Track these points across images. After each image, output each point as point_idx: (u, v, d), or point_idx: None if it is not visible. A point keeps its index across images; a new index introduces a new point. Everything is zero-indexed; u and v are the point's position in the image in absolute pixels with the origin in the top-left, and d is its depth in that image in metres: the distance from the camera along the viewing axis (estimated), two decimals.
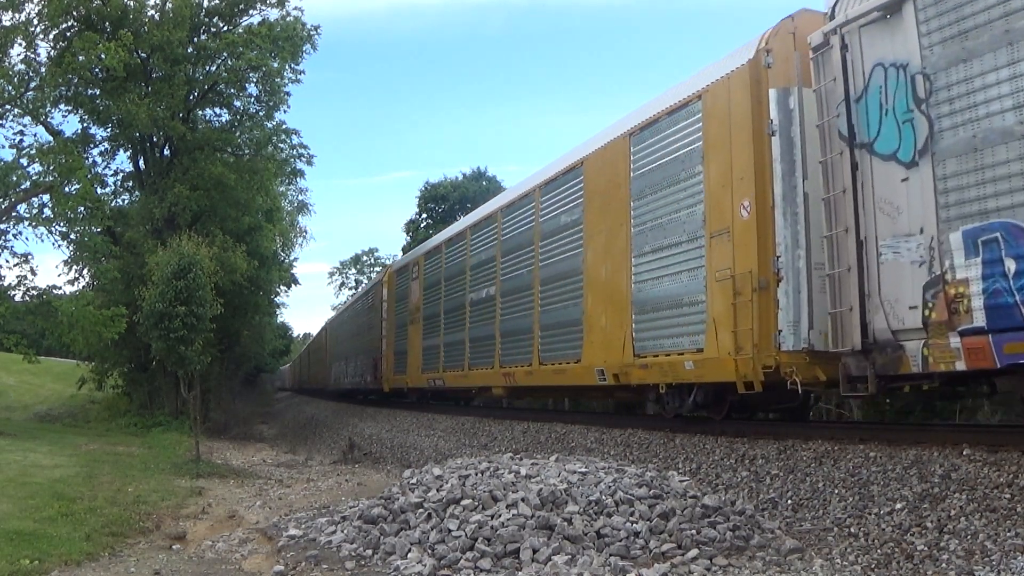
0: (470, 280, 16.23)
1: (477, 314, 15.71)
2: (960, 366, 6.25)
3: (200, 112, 25.33)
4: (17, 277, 20.72)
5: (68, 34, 21.54)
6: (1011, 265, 5.82)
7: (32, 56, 21.05)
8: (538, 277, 13.08)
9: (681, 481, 7.25)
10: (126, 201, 26.07)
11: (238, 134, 25.11)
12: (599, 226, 11.34)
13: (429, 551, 6.24)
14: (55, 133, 22.35)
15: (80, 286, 22.91)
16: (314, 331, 62.09)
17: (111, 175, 25.27)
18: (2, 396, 28.03)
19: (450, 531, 6.41)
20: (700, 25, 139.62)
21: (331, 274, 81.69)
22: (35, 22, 20.86)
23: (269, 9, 24.15)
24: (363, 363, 27.07)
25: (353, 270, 77.55)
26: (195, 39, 23.56)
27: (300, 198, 41.04)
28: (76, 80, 21.07)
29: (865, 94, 7.20)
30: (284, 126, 25.21)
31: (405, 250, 46.19)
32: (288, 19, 23.80)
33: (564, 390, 14.87)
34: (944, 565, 5.19)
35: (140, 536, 8.08)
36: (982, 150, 6.09)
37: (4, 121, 20.62)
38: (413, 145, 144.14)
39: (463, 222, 18.07)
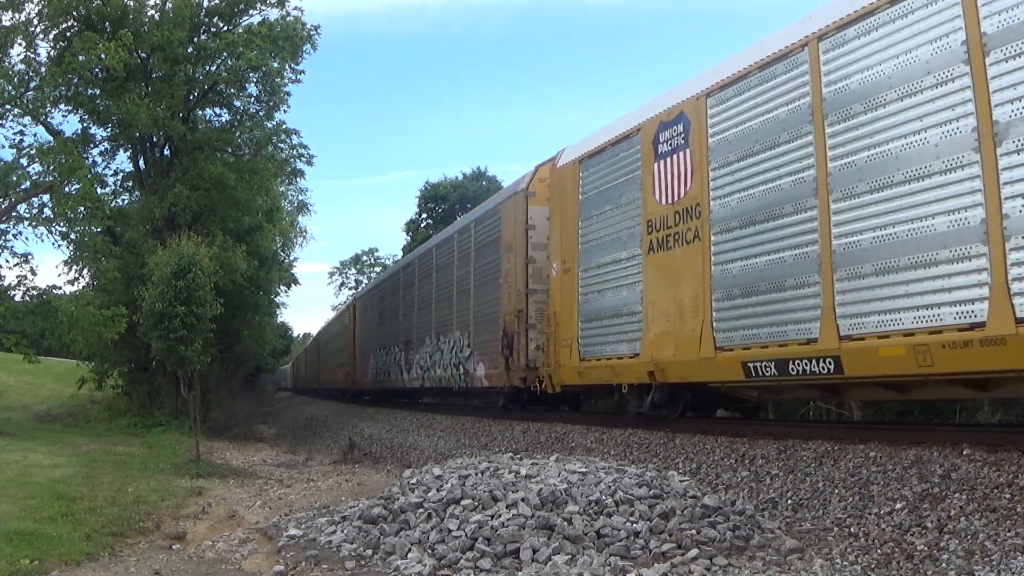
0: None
1: None
2: None
3: (200, 112, 25.33)
4: (17, 277, 20.83)
5: (68, 34, 21.55)
6: None
7: (32, 56, 21.10)
8: None
9: (681, 481, 7.24)
10: (126, 201, 26.10)
11: (238, 134, 25.10)
12: None
13: (429, 551, 6.24)
14: (55, 133, 22.35)
15: (80, 286, 23.00)
16: (314, 331, 61.91)
17: (111, 175, 25.28)
18: (2, 396, 27.98)
19: (450, 531, 6.41)
20: (701, 26, 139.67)
21: (331, 274, 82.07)
22: (35, 22, 20.92)
23: (269, 9, 24.19)
24: (462, 344, 16.04)
25: (353, 270, 77.88)
26: (195, 39, 23.57)
27: (300, 198, 41.28)
28: (76, 80, 21.06)
29: None
30: (284, 126, 25.20)
31: (406, 250, 45.90)
32: (288, 19, 23.81)
33: None
34: (944, 565, 5.19)
35: (140, 536, 8.07)
36: None
37: (4, 121, 20.61)
38: (413, 145, 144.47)
39: None
